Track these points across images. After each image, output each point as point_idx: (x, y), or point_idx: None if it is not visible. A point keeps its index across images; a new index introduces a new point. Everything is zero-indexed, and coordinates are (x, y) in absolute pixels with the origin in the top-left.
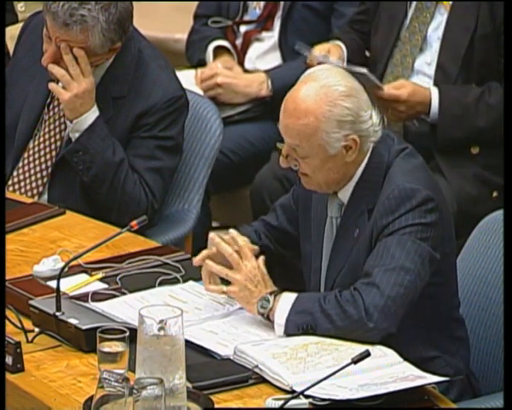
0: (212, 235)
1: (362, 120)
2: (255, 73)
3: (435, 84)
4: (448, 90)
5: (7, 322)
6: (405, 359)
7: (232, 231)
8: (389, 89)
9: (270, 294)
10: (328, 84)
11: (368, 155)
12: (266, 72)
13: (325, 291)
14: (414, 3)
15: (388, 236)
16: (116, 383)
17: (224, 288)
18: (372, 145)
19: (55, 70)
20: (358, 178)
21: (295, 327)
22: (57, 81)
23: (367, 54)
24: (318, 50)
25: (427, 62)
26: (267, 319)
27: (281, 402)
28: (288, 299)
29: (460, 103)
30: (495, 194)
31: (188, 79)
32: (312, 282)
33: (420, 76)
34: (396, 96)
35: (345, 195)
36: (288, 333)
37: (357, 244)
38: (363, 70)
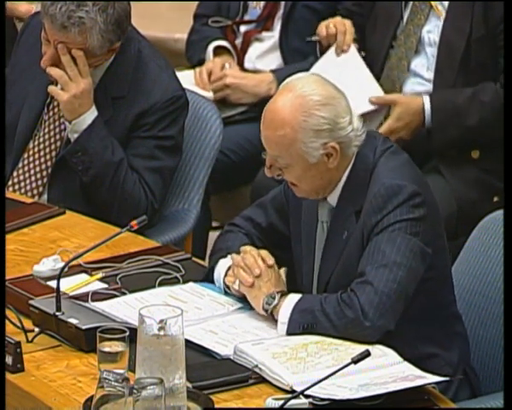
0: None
1: (340, 127)
2: (263, 73)
3: (434, 89)
4: (439, 94)
5: (7, 322)
6: (404, 357)
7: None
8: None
9: (278, 292)
10: (303, 94)
11: (353, 158)
12: (273, 71)
13: (318, 293)
14: (409, 5)
15: (378, 234)
16: (116, 383)
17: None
18: (357, 149)
19: (54, 72)
20: (345, 180)
21: (297, 325)
22: (56, 83)
23: (362, 54)
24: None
25: (422, 64)
26: (270, 316)
27: (281, 402)
28: (292, 299)
29: (452, 104)
30: (496, 199)
31: (188, 78)
32: (305, 285)
33: (417, 78)
34: (390, 130)
35: (333, 198)
36: (290, 332)
37: (348, 246)
38: None
